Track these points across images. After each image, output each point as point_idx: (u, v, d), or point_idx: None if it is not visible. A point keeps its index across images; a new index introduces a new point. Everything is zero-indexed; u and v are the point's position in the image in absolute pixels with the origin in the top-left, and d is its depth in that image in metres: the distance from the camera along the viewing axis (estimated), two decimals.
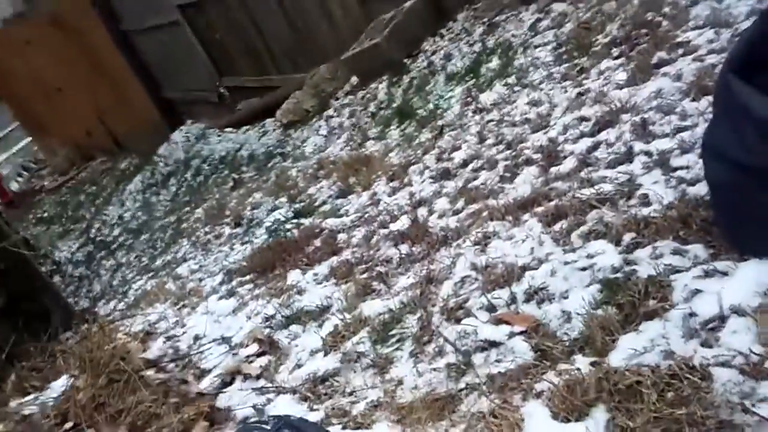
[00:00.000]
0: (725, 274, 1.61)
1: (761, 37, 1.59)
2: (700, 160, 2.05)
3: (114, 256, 5.40)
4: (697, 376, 1.35)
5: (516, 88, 3.93)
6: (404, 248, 2.59)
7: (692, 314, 1.53)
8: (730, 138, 1.55)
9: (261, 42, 7.10)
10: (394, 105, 5.06)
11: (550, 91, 3.58)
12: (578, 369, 1.52)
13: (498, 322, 1.81)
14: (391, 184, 3.57)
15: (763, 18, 1.60)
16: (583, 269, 1.91)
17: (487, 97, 4.02)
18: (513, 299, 1.90)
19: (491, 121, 3.67)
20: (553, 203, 2.40)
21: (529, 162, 2.90)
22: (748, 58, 1.61)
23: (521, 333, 1.73)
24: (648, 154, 2.39)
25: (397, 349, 1.91)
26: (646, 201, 2.11)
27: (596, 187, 2.34)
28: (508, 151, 3.12)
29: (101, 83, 9.50)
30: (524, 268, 2.04)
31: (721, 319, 1.48)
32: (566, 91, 3.46)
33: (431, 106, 4.62)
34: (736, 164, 1.53)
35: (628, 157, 2.47)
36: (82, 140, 10.93)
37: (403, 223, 2.86)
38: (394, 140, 4.50)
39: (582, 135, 2.89)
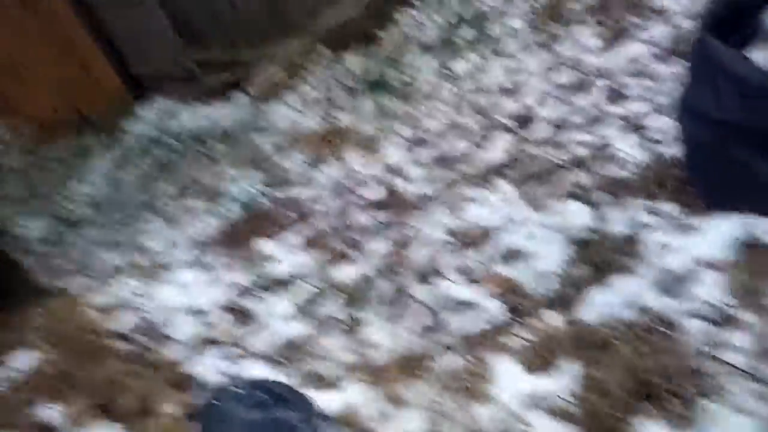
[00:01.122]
0: (696, 230, 1.61)
1: None
2: (674, 123, 2.05)
3: (81, 232, 5.30)
4: (668, 328, 1.35)
5: (490, 57, 3.90)
6: (379, 215, 2.57)
7: (664, 269, 1.53)
8: (707, 97, 1.54)
9: (230, 15, 6.97)
10: (368, 76, 5.00)
11: (525, 59, 3.56)
12: (551, 325, 1.51)
13: (472, 282, 1.80)
14: (364, 154, 3.53)
15: None
16: (557, 230, 1.90)
17: (461, 67, 3.99)
18: (488, 260, 1.89)
19: (466, 89, 3.65)
20: (527, 167, 2.39)
21: (504, 128, 2.89)
22: (724, 18, 1.61)
23: (495, 293, 1.71)
24: (622, 117, 2.39)
25: (370, 312, 1.89)
26: (620, 163, 2.10)
27: (571, 150, 2.34)
28: (483, 119, 3.10)
29: (65, 58, 9.24)
30: (498, 231, 2.03)
31: (692, 273, 1.48)
32: (540, 59, 3.45)
33: (405, 77, 4.57)
34: (712, 122, 1.53)
35: (603, 120, 2.46)
36: (47, 117, 10.70)
37: (377, 191, 2.83)
38: (368, 111, 4.45)
39: (556, 100, 2.88)
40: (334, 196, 3.07)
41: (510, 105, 3.08)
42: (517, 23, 3.99)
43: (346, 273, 2.17)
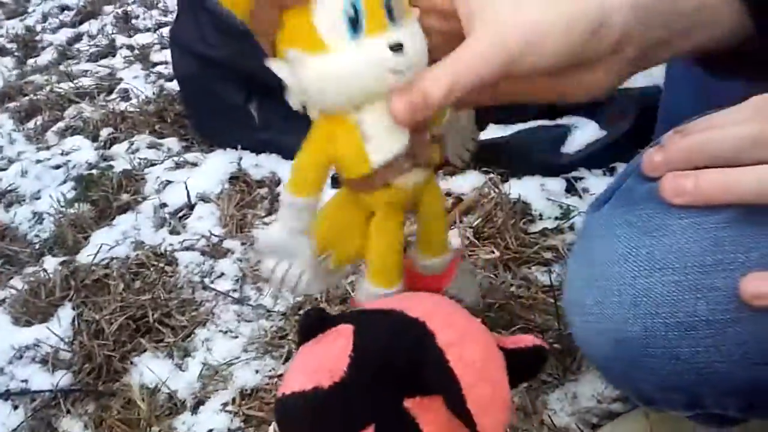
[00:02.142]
0: (195, 164, 1.68)
1: None
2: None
3: None
4: (164, 261, 1.39)
5: None
6: None
7: (163, 204, 1.57)
8: (190, 31, 1.59)
9: None
10: None
11: None
12: (47, 270, 1.43)
13: None
14: None
15: None
16: (57, 167, 1.79)
17: None
18: None
19: None
20: (27, 98, 2.18)
21: (3, 52, 2.58)
22: None
23: None
24: (130, 48, 2.34)
25: None
26: (125, 95, 2.06)
27: (76, 81, 2.20)
28: None
29: None
30: None
31: (189, 207, 1.55)
32: None
33: None
34: (196, 56, 1.58)
35: (110, 50, 2.38)
36: None
37: None
38: None
39: (63, 25, 2.68)
40: None
41: (11, 25, 2.75)
42: None
43: None
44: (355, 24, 0.50)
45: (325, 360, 0.56)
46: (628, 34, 0.52)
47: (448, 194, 1.40)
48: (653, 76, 1.28)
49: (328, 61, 0.50)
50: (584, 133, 1.37)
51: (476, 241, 1.26)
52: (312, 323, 0.60)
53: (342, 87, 0.51)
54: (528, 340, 0.64)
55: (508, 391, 0.56)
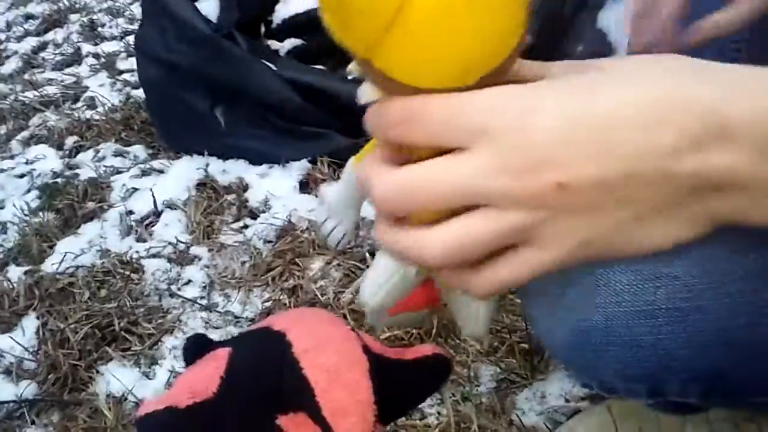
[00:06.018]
0: (161, 171, 1.67)
1: None
2: None
3: None
4: (130, 269, 1.37)
5: None
6: None
7: (129, 212, 1.55)
8: (155, 38, 1.58)
9: None
10: None
11: None
12: (8, 280, 1.40)
13: None
14: None
15: None
16: (22, 176, 1.77)
17: None
18: None
19: None
20: None
21: None
22: None
23: None
24: (96, 56, 2.32)
25: None
26: (91, 104, 2.04)
27: (40, 89, 2.17)
28: None
29: None
30: None
31: (156, 214, 1.53)
32: None
33: None
34: (161, 63, 1.57)
35: (76, 58, 2.35)
36: None
37: None
38: None
39: (27, 34, 2.65)
40: None
41: None
42: None
43: None
44: None
45: (193, 382, 0.56)
46: None
47: None
48: None
49: None
50: None
51: None
52: (191, 348, 0.60)
53: None
54: (427, 349, 0.64)
55: (369, 395, 0.55)
